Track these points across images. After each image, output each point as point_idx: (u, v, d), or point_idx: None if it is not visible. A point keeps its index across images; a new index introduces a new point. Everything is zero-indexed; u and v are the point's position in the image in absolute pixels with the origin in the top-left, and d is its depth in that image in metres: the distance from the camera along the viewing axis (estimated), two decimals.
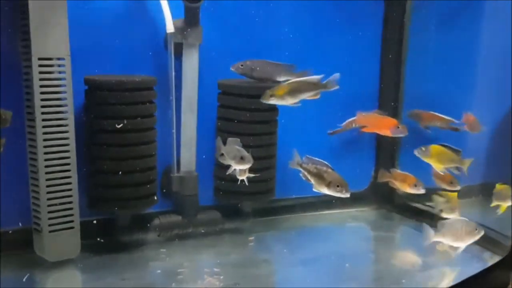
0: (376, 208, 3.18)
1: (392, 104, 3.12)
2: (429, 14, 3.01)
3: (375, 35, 3.11)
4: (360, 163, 3.13)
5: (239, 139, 2.19)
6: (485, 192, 2.74)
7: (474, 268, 2.38)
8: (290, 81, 2.17)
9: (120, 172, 2.42)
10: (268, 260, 2.51)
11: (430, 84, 3.01)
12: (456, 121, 2.83)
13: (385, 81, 3.14)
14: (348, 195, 2.00)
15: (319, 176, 1.99)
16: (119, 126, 2.37)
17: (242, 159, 2.06)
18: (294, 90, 2.11)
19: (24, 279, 2.19)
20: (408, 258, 2.56)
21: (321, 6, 2.95)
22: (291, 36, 2.89)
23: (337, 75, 2.14)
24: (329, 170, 1.98)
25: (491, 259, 2.49)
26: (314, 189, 2.07)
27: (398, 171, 2.65)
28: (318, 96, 2.15)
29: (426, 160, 2.45)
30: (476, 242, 2.61)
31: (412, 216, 2.98)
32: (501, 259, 2.48)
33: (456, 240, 2.25)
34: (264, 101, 2.16)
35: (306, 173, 2.05)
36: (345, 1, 2.98)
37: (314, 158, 2.04)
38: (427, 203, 2.97)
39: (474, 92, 2.85)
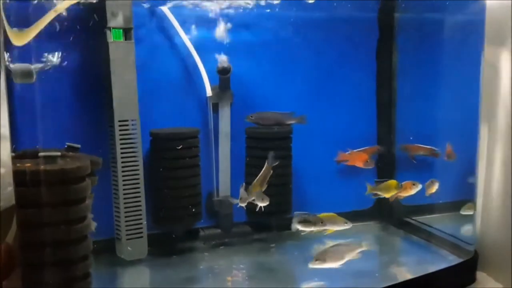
0: (378, 223, 3.80)
1: (387, 140, 3.79)
2: (412, 64, 3.67)
3: (371, 85, 3.80)
4: (365, 185, 3.66)
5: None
6: (455, 208, 3.29)
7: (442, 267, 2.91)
8: (330, 247, 2.77)
9: (174, 198, 3.15)
10: (282, 260, 3.24)
11: (417, 122, 3.65)
12: (436, 149, 3.40)
13: (381, 122, 3.83)
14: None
15: None
16: (179, 148, 3.13)
17: (241, 199, 2.95)
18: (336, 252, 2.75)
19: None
20: (386, 258, 3.24)
21: (326, 66, 3.67)
22: (301, 90, 3.61)
23: None
24: None
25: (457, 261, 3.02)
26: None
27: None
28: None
29: None
30: (445, 248, 3.23)
31: (403, 228, 3.65)
32: (466, 259, 2.97)
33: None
34: (312, 266, 2.69)
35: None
36: (345, 60, 3.71)
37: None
38: (414, 218, 3.66)
39: (451, 127, 3.32)
